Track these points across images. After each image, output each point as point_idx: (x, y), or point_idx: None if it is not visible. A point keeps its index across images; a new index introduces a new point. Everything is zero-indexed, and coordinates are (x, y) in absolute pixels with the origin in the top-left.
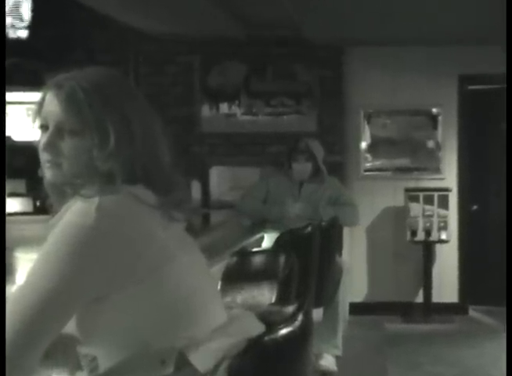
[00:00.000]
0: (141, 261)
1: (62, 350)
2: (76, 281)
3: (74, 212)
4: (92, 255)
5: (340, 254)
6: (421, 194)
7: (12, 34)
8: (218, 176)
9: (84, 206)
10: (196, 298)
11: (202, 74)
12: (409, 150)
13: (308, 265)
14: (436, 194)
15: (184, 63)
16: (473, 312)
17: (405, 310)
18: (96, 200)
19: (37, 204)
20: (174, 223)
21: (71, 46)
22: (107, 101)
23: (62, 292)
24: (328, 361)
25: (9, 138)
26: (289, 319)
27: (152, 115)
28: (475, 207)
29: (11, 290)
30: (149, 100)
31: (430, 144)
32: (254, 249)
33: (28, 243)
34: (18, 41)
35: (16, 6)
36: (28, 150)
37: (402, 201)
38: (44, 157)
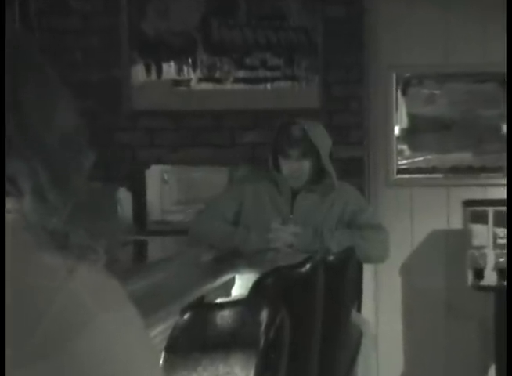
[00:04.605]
0: (37, 326)
1: None
2: None
3: None
4: None
5: (359, 309)
6: (491, 210)
7: None
8: (159, 181)
9: None
10: None
11: (132, 15)
12: (471, 137)
13: (305, 325)
14: None
15: None
16: None
17: None
18: None
19: None
20: (88, 260)
21: None
22: None
23: None
24: None
25: None
26: None
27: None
28: None
29: None
30: (46, 57)
31: (505, 128)
32: (219, 300)
33: None
34: None
35: None
36: None
37: (460, 222)
38: None
